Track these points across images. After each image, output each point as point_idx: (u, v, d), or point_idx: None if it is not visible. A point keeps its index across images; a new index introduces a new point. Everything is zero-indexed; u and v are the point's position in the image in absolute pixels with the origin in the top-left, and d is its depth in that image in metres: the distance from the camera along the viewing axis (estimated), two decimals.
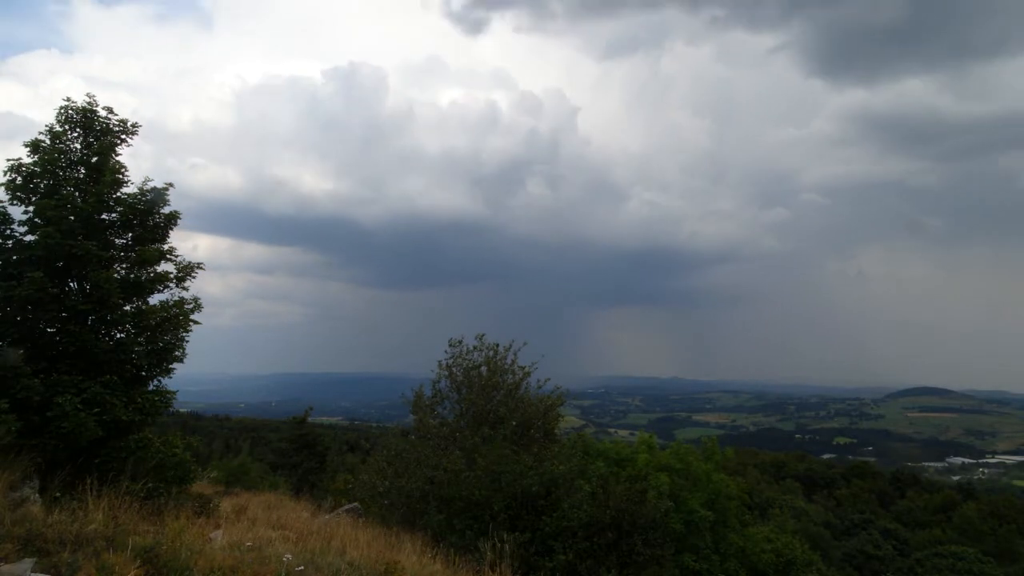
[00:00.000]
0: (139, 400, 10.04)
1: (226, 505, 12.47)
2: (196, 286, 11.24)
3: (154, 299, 10.97)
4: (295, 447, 31.69)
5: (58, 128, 10.57)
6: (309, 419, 34.11)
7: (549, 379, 15.55)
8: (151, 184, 11.02)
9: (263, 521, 10.00)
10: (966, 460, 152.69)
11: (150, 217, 10.98)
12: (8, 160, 10.19)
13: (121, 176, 10.82)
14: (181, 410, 76.26)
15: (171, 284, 11.02)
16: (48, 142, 10.44)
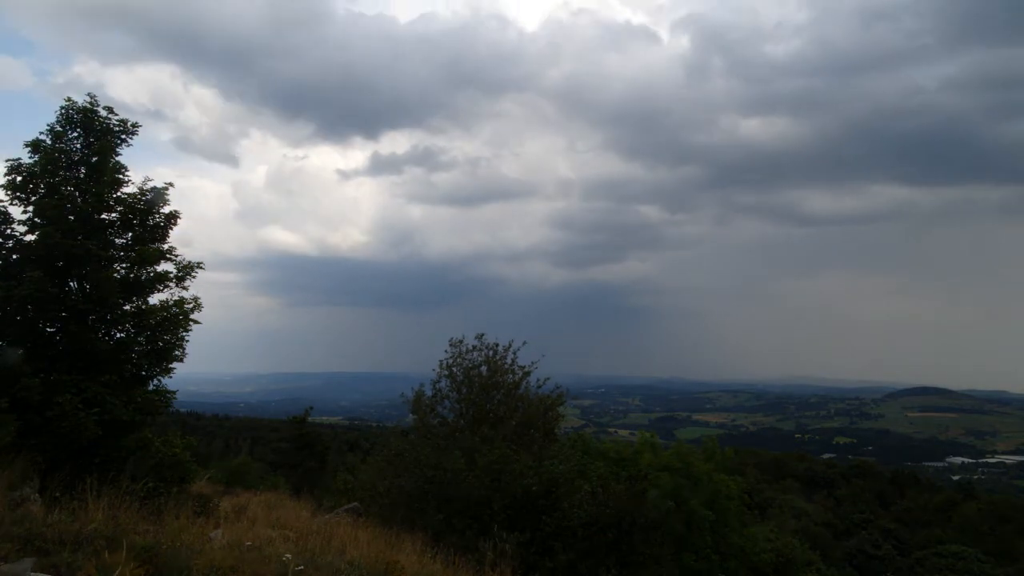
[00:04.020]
0: (139, 400, 10.05)
1: (226, 505, 12.43)
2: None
3: (154, 299, 10.99)
4: (295, 447, 31.69)
5: (59, 128, 10.57)
6: (309, 419, 34.11)
7: (549, 378, 15.54)
8: (151, 184, 11.04)
9: (263, 520, 9.97)
10: (966, 460, 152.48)
11: (150, 217, 10.98)
12: (8, 160, 10.20)
13: (121, 176, 10.83)
14: (181, 410, 76.25)
15: (171, 284, 11.02)
16: (49, 142, 10.45)
